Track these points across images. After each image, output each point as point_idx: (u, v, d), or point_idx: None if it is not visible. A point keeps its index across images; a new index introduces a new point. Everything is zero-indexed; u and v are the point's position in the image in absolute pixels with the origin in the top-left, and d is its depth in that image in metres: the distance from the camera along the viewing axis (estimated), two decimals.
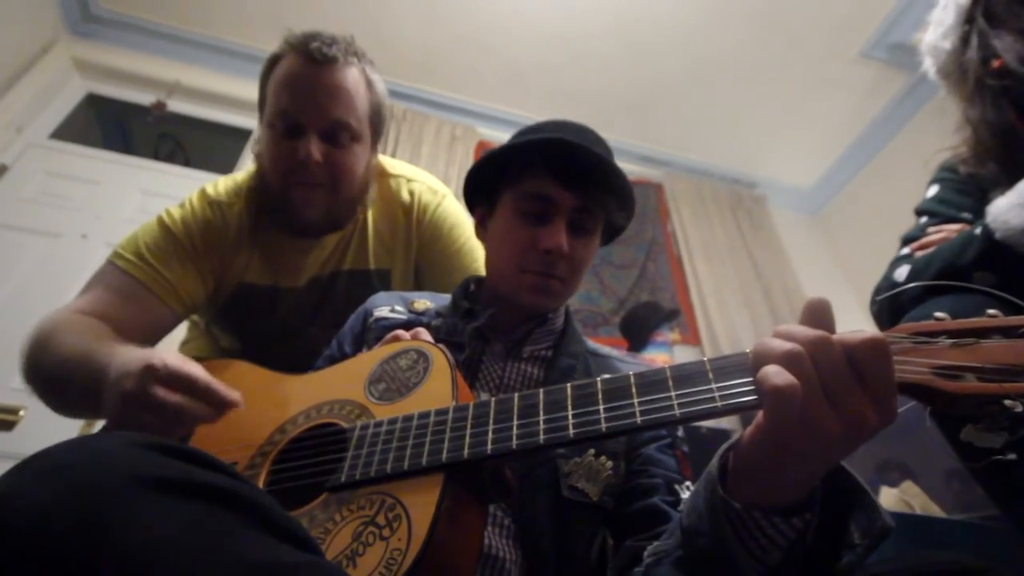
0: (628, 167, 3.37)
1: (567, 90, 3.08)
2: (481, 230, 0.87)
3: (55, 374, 0.79)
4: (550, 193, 0.76)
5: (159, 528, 0.31)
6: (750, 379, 0.43)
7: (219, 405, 0.62)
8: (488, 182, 0.83)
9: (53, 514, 0.30)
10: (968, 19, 0.96)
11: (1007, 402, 0.38)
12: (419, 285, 1.18)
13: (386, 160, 1.20)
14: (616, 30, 2.78)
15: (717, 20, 2.74)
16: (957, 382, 0.40)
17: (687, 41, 2.83)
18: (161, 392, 0.60)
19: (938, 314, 0.44)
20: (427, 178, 1.20)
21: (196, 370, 0.62)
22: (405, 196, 1.15)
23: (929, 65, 1.04)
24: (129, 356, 0.65)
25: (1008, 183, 0.86)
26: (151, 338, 0.97)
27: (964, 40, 0.96)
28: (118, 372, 0.64)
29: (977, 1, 0.95)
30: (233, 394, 0.63)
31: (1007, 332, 0.41)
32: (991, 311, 0.42)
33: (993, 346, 0.41)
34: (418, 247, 1.16)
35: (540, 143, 0.77)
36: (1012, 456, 0.39)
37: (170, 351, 0.67)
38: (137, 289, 0.94)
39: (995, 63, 0.90)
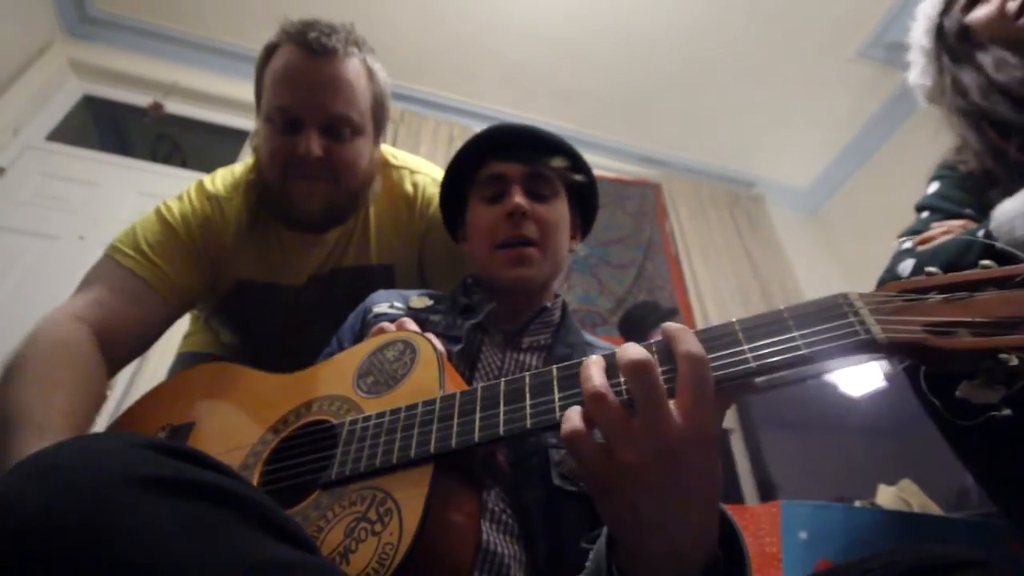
0: (625, 167, 3.37)
1: (564, 90, 3.09)
2: (465, 244, 0.92)
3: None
4: (499, 170, 0.84)
5: (158, 528, 0.31)
6: (738, 350, 0.43)
7: None
8: (456, 202, 0.92)
9: (51, 515, 0.30)
10: (936, 58, 1.03)
11: (1002, 356, 0.36)
12: (424, 280, 1.16)
13: (389, 151, 1.16)
14: (613, 30, 2.79)
15: (714, 19, 2.75)
16: (950, 339, 0.38)
17: (684, 40, 2.84)
18: None
19: (929, 268, 0.43)
20: (431, 169, 1.16)
21: None
22: (408, 188, 1.12)
23: (920, 96, 1.11)
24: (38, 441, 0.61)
25: (1006, 182, 0.87)
26: (150, 337, 0.95)
27: (940, 74, 1.03)
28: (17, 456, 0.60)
29: (938, 43, 1.03)
30: None
31: (1001, 283, 0.40)
32: (984, 262, 0.41)
33: (986, 298, 0.39)
34: (422, 240, 1.13)
35: (477, 138, 0.87)
36: (1007, 412, 0.38)
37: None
38: (136, 285, 0.91)
39: (966, 97, 0.96)
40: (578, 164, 0.88)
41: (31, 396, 0.72)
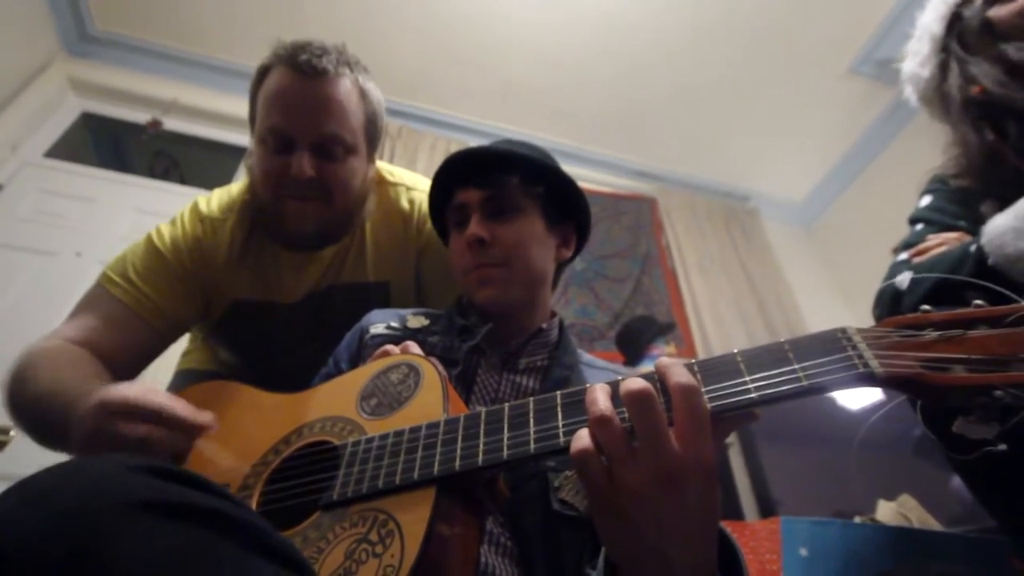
0: (621, 182, 3.40)
1: (560, 106, 3.12)
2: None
3: (31, 409, 0.78)
4: (460, 198, 0.85)
5: (154, 553, 0.31)
6: (740, 380, 0.44)
7: (188, 430, 0.62)
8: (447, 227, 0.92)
9: (44, 540, 0.30)
10: (943, 48, 1.00)
11: (997, 393, 0.37)
12: (420, 296, 1.16)
13: (386, 167, 1.17)
14: (608, 46, 2.82)
15: (708, 37, 2.79)
16: (946, 374, 0.39)
17: (679, 57, 2.88)
18: (122, 426, 0.60)
19: (924, 306, 0.44)
20: (428, 186, 1.16)
21: (158, 399, 0.62)
22: (405, 205, 1.13)
23: (910, 93, 1.07)
24: (90, 395, 0.65)
25: (996, 197, 0.87)
26: (142, 361, 0.96)
27: (942, 67, 1.00)
28: (80, 412, 0.64)
29: (950, 32, 1.00)
30: (202, 417, 0.63)
31: (993, 322, 0.41)
32: (977, 301, 0.42)
33: (980, 336, 0.40)
34: (418, 258, 1.13)
35: (440, 169, 0.89)
36: (1003, 447, 0.39)
37: (134, 384, 0.66)
38: (125, 313, 0.92)
39: (975, 89, 0.93)
40: (540, 175, 0.85)
41: (57, 374, 0.77)
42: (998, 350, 0.39)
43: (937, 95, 1.01)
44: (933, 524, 1.25)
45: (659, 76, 2.96)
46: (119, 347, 0.90)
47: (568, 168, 0.91)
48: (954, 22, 1.00)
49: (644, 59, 2.88)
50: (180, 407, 0.62)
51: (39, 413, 0.76)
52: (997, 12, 0.96)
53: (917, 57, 1.05)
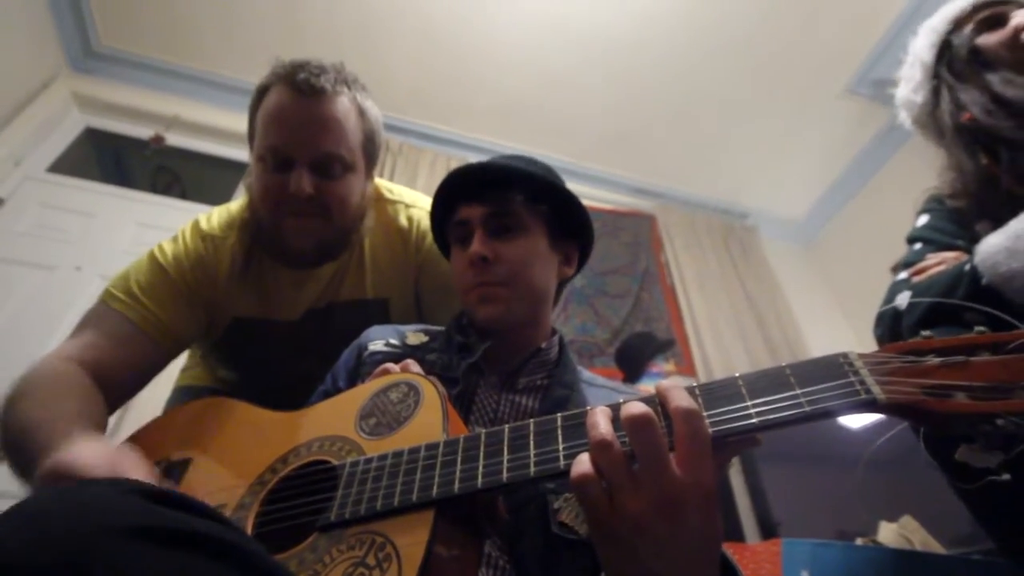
0: (621, 198, 3.42)
1: (560, 123, 3.15)
2: None
3: (12, 440, 0.75)
4: (463, 215, 0.84)
5: None
6: (741, 405, 0.44)
7: None
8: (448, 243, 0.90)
9: (36, 565, 0.29)
10: (935, 75, 1.02)
11: (999, 421, 0.37)
12: (420, 314, 1.16)
13: (385, 184, 1.18)
14: (609, 65, 2.86)
15: (708, 56, 2.83)
16: (948, 401, 0.39)
17: (678, 75, 2.91)
18: None
19: (925, 332, 0.44)
20: (426, 203, 1.14)
21: (99, 472, 0.59)
22: (403, 222, 1.13)
23: (905, 117, 1.09)
24: (58, 447, 0.63)
25: (991, 217, 0.88)
26: (145, 378, 0.95)
27: (934, 93, 1.02)
28: (46, 464, 0.61)
29: (941, 59, 1.02)
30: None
31: (995, 348, 0.41)
32: (979, 328, 0.42)
33: (982, 363, 0.40)
34: (417, 275, 1.13)
35: (442, 184, 0.87)
36: (1006, 476, 0.38)
37: (93, 446, 0.63)
38: (129, 329, 0.92)
39: (965, 116, 0.95)
40: (544, 193, 0.84)
41: (43, 409, 0.75)
42: (1000, 377, 0.39)
43: (931, 120, 1.03)
44: (935, 546, 1.23)
45: (658, 94, 3.00)
46: (123, 364, 0.90)
47: (568, 185, 0.90)
48: (944, 50, 1.02)
49: (644, 78, 2.92)
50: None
51: (19, 446, 0.73)
52: (985, 40, 0.98)
53: (910, 83, 1.07)
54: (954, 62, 1.00)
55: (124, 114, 2.76)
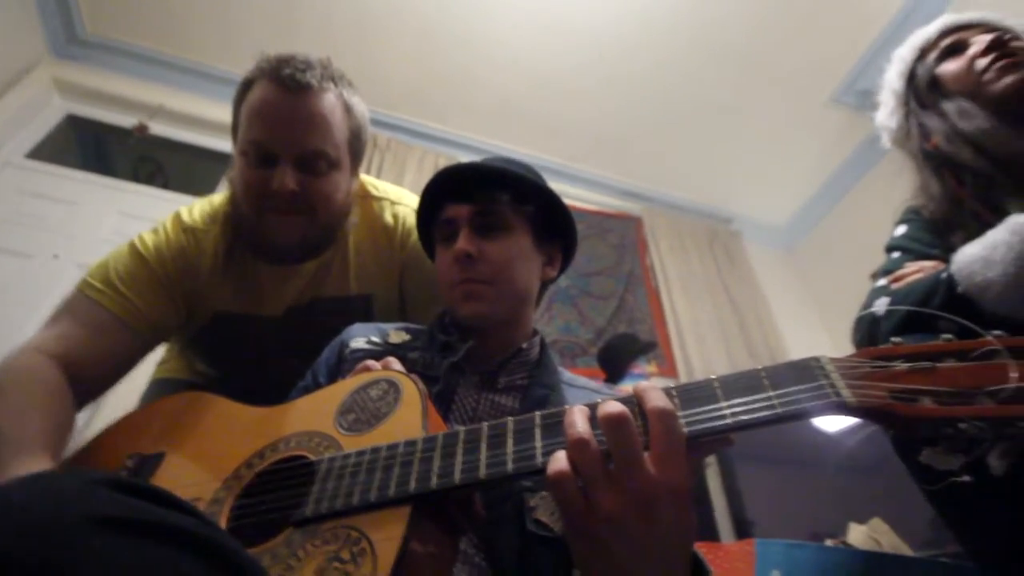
0: (608, 200, 3.44)
1: (549, 124, 3.16)
2: None
3: None
4: (449, 213, 0.84)
5: (111, 570, 0.30)
6: (716, 406, 0.45)
7: None
8: (433, 242, 0.91)
9: (6, 557, 0.29)
10: (904, 102, 1.07)
11: (962, 425, 0.38)
12: (404, 312, 1.16)
13: (370, 181, 1.17)
14: (601, 68, 2.87)
15: (698, 63, 2.86)
16: (914, 405, 0.40)
17: (670, 80, 2.94)
18: None
19: (895, 338, 0.45)
20: (412, 200, 1.16)
21: None
22: (388, 219, 1.13)
23: (885, 139, 1.14)
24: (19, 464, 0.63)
25: (964, 228, 0.90)
26: (122, 369, 0.93)
27: (906, 119, 1.06)
28: None
29: (908, 87, 1.06)
30: None
31: (961, 356, 0.42)
32: (946, 335, 0.43)
33: (948, 369, 0.41)
34: (402, 272, 1.13)
35: (431, 182, 0.87)
36: (967, 478, 0.40)
37: None
38: (108, 320, 0.90)
39: (931, 143, 0.99)
40: (530, 194, 0.85)
41: (5, 419, 0.72)
42: (965, 383, 0.40)
43: (905, 143, 1.07)
44: (903, 548, 1.26)
45: (648, 98, 3.02)
46: (101, 355, 0.88)
47: (556, 185, 0.91)
48: (911, 78, 1.07)
49: (634, 81, 2.94)
50: None
51: None
52: (944, 69, 1.02)
53: (886, 108, 1.12)
54: (918, 91, 1.04)
55: (107, 102, 2.72)
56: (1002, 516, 0.76)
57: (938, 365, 0.42)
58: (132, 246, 0.98)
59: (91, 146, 3.02)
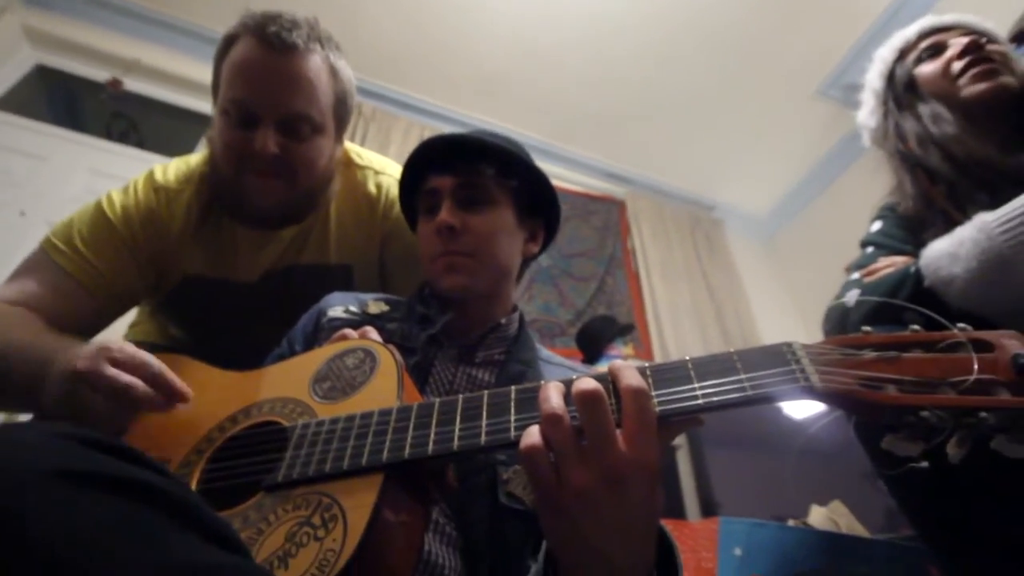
0: (592, 182, 3.43)
1: (537, 101, 3.12)
2: None
3: None
4: (432, 184, 0.84)
5: (80, 523, 0.30)
6: (689, 387, 0.45)
7: (169, 394, 0.63)
8: (416, 213, 0.90)
9: None
10: (883, 102, 1.09)
11: (923, 413, 0.40)
12: (383, 282, 1.15)
13: (354, 149, 1.14)
14: (591, 46, 2.84)
15: (687, 48, 2.84)
16: (879, 392, 0.42)
17: (657, 63, 2.92)
18: (114, 372, 0.61)
19: (865, 328, 0.46)
20: (396, 170, 1.13)
21: (151, 358, 0.64)
22: (372, 188, 1.10)
23: (865, 138, 1.17)
24: (82, 345, 0.67)
25: (933, 228, 0.93)
26: (84, 334, 0.90)
27: (884, 119, 1.09)
28: (69, 355, 0.65)
29: (888, 88, 1.09)
30: (184, 387, 0.64)
31: (927, 346, 0.43)
32: (913, 326, 0.45)
33: (913, 359, 0.43)
34: (383, 243, 1.11)
35: (415, 152, 0.87)
36: (925, 464, 0.41)
37: (126, 343, 0.67)
38: (67, 283, 0.88)
39: (905, 144, 1.02)
40: (515, 168, 0.84)
41: (12, 333, 0.76)
42: (929, 373, 0.42)
43: (883, 143, 1.10)
44: (860, 529, 1.31)
45: (637, 80, 3.00)
46: (60, 317, 0.85)
47: (541, 164, 0.90)
48: (891, 78, 1.09)
49: (624, 63, 2.91)
50: (169, 371, 0.65)
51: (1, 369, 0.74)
52: (921, 71, 1.05)
53: (866, 107, 1.14)
54: (896, 92, 1.07)
55: (80, 53, 2.60)
56: (955, 502, 0.80)
57: (904, 355, 0.43)
58: (98, 206, 0.95)
59: (61, 99, 2.90)
